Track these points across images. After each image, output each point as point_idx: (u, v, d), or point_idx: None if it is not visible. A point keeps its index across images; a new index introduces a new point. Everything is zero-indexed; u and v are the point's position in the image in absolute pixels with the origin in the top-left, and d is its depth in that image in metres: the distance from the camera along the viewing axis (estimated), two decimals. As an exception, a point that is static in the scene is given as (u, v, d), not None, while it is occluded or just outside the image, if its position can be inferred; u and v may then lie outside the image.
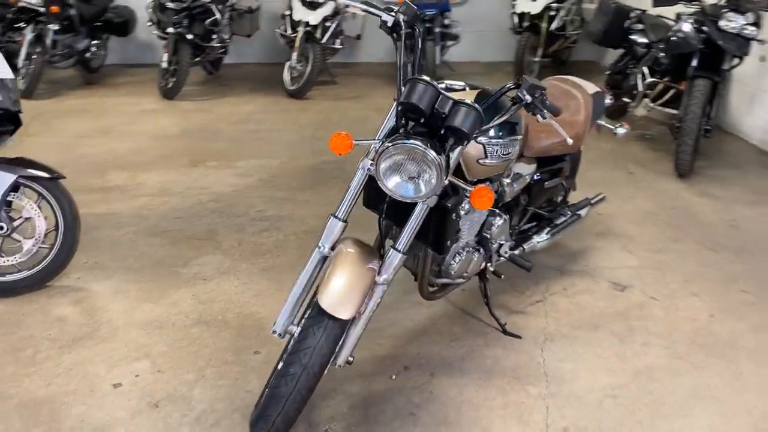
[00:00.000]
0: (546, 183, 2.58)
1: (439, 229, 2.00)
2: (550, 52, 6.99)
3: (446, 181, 1.81)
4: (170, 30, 6.33)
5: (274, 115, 5.86)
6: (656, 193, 4.01)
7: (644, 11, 5.06)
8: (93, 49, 7.24)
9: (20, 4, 6.36)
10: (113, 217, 3.60)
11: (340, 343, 1.87)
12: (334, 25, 6.59)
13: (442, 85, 1.96)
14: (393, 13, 1.95)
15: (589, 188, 3.87)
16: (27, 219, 2.80)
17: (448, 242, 2.06)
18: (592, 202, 2.99)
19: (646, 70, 4.69)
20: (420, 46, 1.94)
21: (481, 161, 1.98)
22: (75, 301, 2.75)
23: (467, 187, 1.84)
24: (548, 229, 2.77)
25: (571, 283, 2.91)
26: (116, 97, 6.53)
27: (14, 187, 2.75)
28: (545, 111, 1.87)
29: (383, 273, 1.87)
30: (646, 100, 4.67)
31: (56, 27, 6.45)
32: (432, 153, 1.71)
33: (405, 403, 2.15)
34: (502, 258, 2.55)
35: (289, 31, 6.68)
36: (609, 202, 3.77)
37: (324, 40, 6.51)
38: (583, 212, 2.92)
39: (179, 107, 6.15)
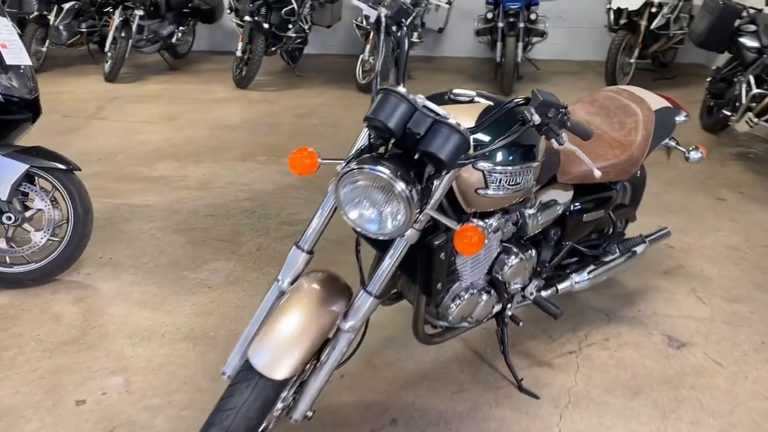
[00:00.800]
0: (586, 215, 2.15)
1: (426, 270, 1.66)
2: (649, 53, 6.30)
3: (424, 216, 1.48)
4: (247, 18, 6.27)
5: (340, 110, 5.65)
6: (748, 226, 3.39)
7: (759, 10, 4.36)
8: (179, 35, 7.37)
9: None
10: (147, 209, 3.51)
11: (302, 395, 1.60)
12: (410, 19, 6.25)
13: (430, 96, 1.61)
14: (376, 6, 1.62)
15: (662, 215, 3.36)
16: (39, 210, 2.73)
17: (438, 285, 1.71)
18: (649, 239, 2.51)
19: (752, 79, 4.03)
20: (406, 48, 1.62)
21: (480, 191, 1.62)
22: (76, 300, 2.65)
23: (452, 226, 1.49)
24: (591, 267, 2.33)
25: (617, 333, 2.45)
26: (193, 84, 6.58)
27: (30, 178, 2.70)
28: (561, 135, 1.49)
29: (350, 318, 1.57)
30: (750, 114, 4.01)
31: (141, 12, 6.56)
32: (400, 185, 1.38)
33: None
34: (527, 300, 2.17)
35: (365, 22, 6.44)
36: (687, 232, 3.25)
37: (399, 34, 6.19)
38: (639, 249, 2.44)
39: (248, 97, 6.09)
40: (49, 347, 2.35)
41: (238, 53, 6.34)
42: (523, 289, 2.13)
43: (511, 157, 1.63)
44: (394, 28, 1.64)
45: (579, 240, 2.27)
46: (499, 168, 1.60)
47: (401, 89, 1.45)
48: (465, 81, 6.66)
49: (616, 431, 1.97)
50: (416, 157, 1.42)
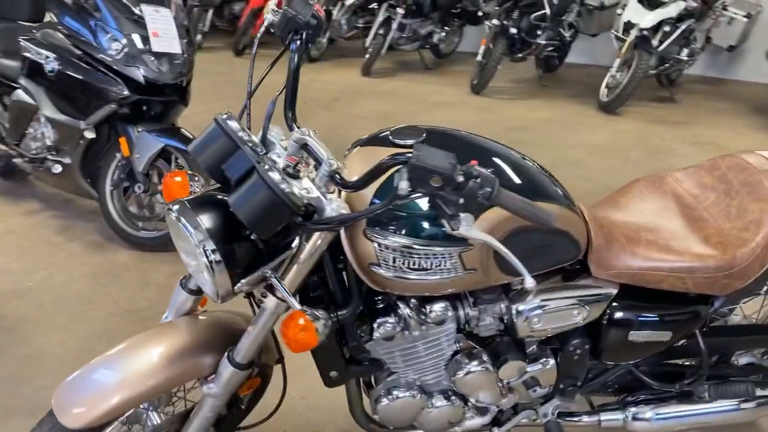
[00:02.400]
0: (633, 333, 1.45)
1: (314, 351, 1.30)
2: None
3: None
4: (494, 21, 6.01)
5: (559, 128, 5.06)
6: None
7: None
8: (441, 35, 7.46)
9: (375, -14, 6.90)
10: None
11: None
12: (678, 31, 5.25)
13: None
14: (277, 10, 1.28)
15: None
16: (168, 185, 3.00)
17: (332, 373, 1.33)
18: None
19: None
20: (295, 65, 1.26)
21: (374, 268, 1.19)
22: (171, 274, 2.84)
23: (291, 305, 1.13)
24: (667, 406, 1.61)
25: None
26: (431, 85, 6.60)
27: (165, 155, 2.96)
28: (458, 217, 1.00)
29: (212, 383, 1.32)
30: None
31: (402, 11, 6.79)
32: (208, 245, 1.09)
33: None
34: (539, 420, 1.60)
35: (622, 33, 5.62)
36: None
37: (661, 48, 5.27)
38: (748, 403, 1.59)
39: (474, 103, 5.86)
40: (117, 312, 2.56)
41: (479, 57, 6.14)
42: (543, 404, 1.58)
43: (414, 231, 1.17)
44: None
45: (644, 363, 1.57)
46: (390, 243, 1.15)
47: (225, 115, 1.14)
48: (746, 114, 5.38)
49: None
50: None
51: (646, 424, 1.60)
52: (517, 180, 1.29)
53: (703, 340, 1.54)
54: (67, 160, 2.93)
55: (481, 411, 1.53)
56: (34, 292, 2.65)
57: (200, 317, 1.42)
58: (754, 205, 1.45)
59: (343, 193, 1.20)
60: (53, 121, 2.90)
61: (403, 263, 1.17)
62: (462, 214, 1.01)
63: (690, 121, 5.24)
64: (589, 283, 1.43)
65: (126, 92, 2.71)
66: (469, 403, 1.48)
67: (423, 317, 1.32)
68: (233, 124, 1.15)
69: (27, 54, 2.81)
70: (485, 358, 1.41)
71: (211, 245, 1.11)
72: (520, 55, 6.30)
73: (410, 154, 1.00)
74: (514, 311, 1.38)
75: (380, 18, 6.89)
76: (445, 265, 1.18)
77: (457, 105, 5.78)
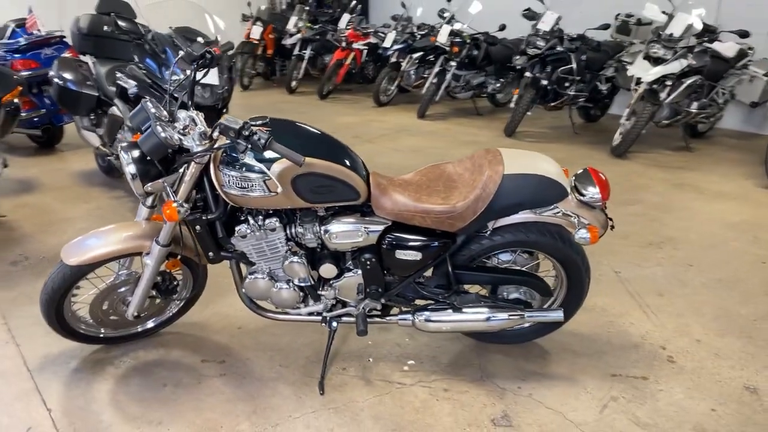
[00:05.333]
0: (398, 252, 2.31)
1: (196, 238, 2.32)
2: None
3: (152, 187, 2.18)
4: (527, 73, 6.84)
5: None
6: None
7: None
8: (497, 85, 8.36)
9: (436, 43, 7.97)
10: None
11: (134, 299, 2.48)
12: (683, 86, 5.79)
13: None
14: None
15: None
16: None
17: (210, 253, 2.33)
18: (510, 313, 2.37)
19: None
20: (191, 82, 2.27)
21: (224, 188, 2.17)
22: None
23: (169, 197, 2.14)
24: (441, 312, 2.42)
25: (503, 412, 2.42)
26: (473, 128, 7.47)
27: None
28: (246, 151, 1.97)
29: (148, 256, 2.37)
30: None
31: (455, 64, 7.80)
32: (130, 166, 2.13)
33: None
34: (341, 312, 2.49)
35: (634, 87, 6.24)
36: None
37: (668, 101, 5.84)
38: (486, 315, 2.37)
39: (499, 143, 6.65)
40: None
41: (511, 104, 6.98)
42: (362, 300, 2.46)
43: (236, 167, 2.13)
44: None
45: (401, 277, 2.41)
46: (228, 172, 2.14)
47: (149, 103, 2.17)
48: (754, 164, 5.78)
49: None
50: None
51: (426, 323, 2.42)
52: (320, 148, 2.21)
53: (451, 266, 2.37)
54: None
55: (316, 298, 2.44)
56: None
57: (151, 221, 2.47)
58: (477, 177, 2.28)
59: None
60: (132, 130, 4.19)
61: (236, 184, 2.15)
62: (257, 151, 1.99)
63: (687, 167, 5.70)
64: (371, 218, 2.31)
65: (176, 110, 3.92)
66: (305, 291, 2.40)
67: (261, 225, 2.28)
68: (150, 105, 2.20)
69: (119, 82, 4.13)
70: (301, 257, 2.33)
71: (131, 166, 2.15)
72: (552, 104, 7.05)
73: (221, 122, 2.00)
74: (321, 230, 2.31)
75: (435, 69, 7.94)
76: (258, 187, 2.14)
77: (483, 144, 6.62)
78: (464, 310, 2.42)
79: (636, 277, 3.44)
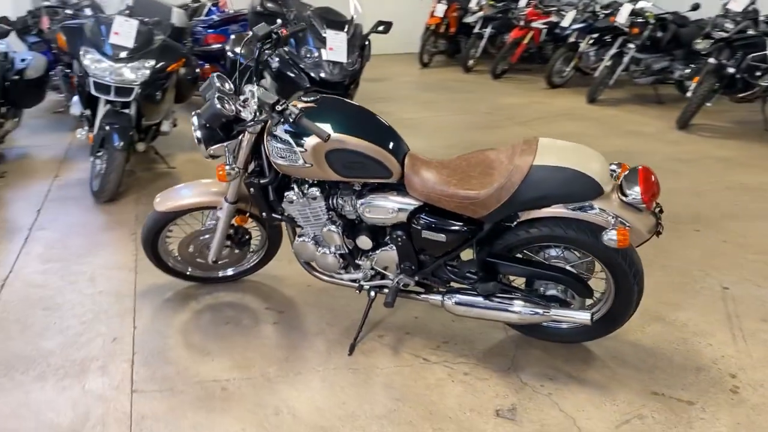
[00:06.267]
0: (425, 232, 2.35)
1: (255, 198, 2.61)
2: None
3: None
4: (711, 60, 6.14)
5: (724, 164, 5.13)
6: None
7: None
8: (685, 71, 7.58)
9: (614, 23, 7.45)
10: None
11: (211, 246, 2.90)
12: None
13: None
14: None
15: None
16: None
17: (263, 214, 2.62)
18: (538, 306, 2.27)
19: None
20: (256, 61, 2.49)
21: (271, 158, 2.42)
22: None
23: (227, 161, 2.46)
24: (467, 296, 2.45)
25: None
26: (644, 116, 6.94)
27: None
28: (278, 126, 2.20)
29: (220, 209, 2.74)
30: None
31: (634, 46, 7.24)
32: (196, 132, 2.45)
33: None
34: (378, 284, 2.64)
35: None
36: None
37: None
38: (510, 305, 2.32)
39: (668, 137, 6.07)
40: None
41: (688, 93, 6.31)
42: (398, 275, 2.58)
43: (279, 139, 2.35)
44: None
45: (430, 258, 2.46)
46: (273, 144, 2.38)
47: (219, 79, 2.46)
48: None
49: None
50: None
51: (454, 306, 2.47)
52: (357, 127, 2.36)
53: (482, 253, 2.37)
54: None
55: (355, 267, 2.63)
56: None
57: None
58: (494, 171, 2.25)
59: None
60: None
61: (279, 155, 2.39)
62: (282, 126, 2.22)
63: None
64: (403, 197, 2.41)
65: (307, 84, 4.31)
66: (346, 259, 2.59)
67: (305, 193, 2.51)
68: (216, 79, 2.50)
69: (267, 59, 4.64)
70: (338, 226, 2.51)
71: (197, 132, 2.49)
72: (741, 95, 6.23)
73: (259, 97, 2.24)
74: (357, 203, 2.47)
75: (612, 51, 7.43)
76: (295, 158, 2.36)
77: (648, 136, 6.09)
78: (492, 298, 2.41)
79: (746, 297, 3.04)
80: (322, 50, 4.31)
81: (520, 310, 2.38)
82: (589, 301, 2.55)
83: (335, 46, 4.35)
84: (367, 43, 4.65)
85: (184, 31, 5.83)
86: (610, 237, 2.11)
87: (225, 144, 2.50)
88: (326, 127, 2.26)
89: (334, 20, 4.43)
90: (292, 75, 4.36)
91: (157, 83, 4.25)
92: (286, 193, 2.56)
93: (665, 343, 2.68)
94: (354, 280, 2.68)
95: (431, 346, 2.66)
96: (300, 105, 2.32)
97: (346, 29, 4.42)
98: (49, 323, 2.79)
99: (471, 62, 9.77)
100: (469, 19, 9.79)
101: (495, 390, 2.39)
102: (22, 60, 4.96)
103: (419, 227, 2.41)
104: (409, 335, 2.73)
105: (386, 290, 2.62)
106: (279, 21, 2.73)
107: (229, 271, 3.11)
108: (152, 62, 4.16)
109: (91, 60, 4.06)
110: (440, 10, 10.01)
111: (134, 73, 4.10)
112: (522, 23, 8.95)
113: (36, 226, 3.82)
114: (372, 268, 2.61)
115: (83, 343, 2.66)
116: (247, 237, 2.95)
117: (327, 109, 2.39)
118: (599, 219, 2.19)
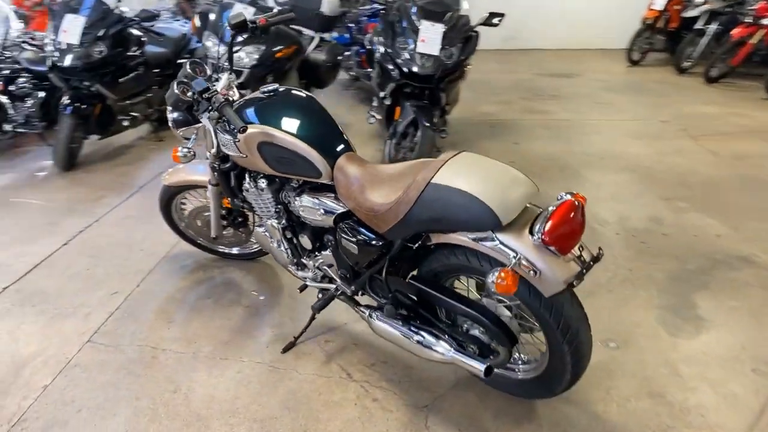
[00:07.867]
0: (344, 238, 2.14)
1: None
2: None
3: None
4: None
5: None
6: None
7: None
8: None
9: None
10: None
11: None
12: None
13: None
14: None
15: None
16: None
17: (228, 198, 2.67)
18: None
19: None
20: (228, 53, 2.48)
21: (222, 148, 2.44)
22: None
23: (181, 140, 2.54)
24: (392, 317, 2.20)
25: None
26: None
27: (414, 123, 4.33)
28: (203, 115, 2.23)
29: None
30: None
31: None
32: (170, 114, 2.58)
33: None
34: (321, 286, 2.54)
35: None
36: None
37: None
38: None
39: None
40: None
41: None
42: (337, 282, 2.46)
43: (223, 127, 2.37)
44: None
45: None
46: (219, 131, 2.40)
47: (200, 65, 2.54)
48: None
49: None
50: None
51: (374, 323, 2.25)
52: (293, 123, 2.26)
53: (387, 274, 2.12)
54: (378, 117, 4.67)
55: (302, 267, 2.55)
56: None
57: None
58: (402, 184, 1.96)
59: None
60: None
61: (223, 143, 2.41)
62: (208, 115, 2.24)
63: None
64: (332, 200, 2.25)
65: (398, 77, 4.21)
66: (304, 260, 2.54)
67: (255, 183, 2.50)
68: (188, 66, 2.57)
69: (370, 46, 4.63)
70: (280, 221, 2.46)
71: (170, 115, 2.62)
72: None
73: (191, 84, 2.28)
74: (294, 201, 2.39)
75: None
76: (233, 148, 2.36)
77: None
78: (410, 325, 2.16)
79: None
80: (418, 42, 4.14)
81: (425, 342, 2.09)
82: (534, 356, 2.13)
83: (428, 38, 4.15)
84: (473, 35, 4.34)
85: (335, 19, 6.11)
86: (491, 279, 1.73)
87: (194, 127, 2.60)
88: (256, 119, 2.22)
89: (434, 11, 4.22)
90: (390, 67, 4.28)
91: (266, 65, 4.55)
92: (243, 182, 2.58)
93: (639, 424, 2.11)
94: (305, 278, 2.61)
95: (366, 362, 2.48)
96: (232, 93, 2.31)
97: (444, 20, 4.18)
98: (84, 268, 3.23)
99: (686, 63, 8.50)
100: (690, 13, 8.52)
101: (389, 425, 2.14)
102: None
103: (341, 234, 2.24)
104: (354, 346, 2.58)
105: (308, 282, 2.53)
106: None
107: (234, 250, 3.24)
108: (263, 47, 4.45)
109: (212, 44, 4.50)
110: (660, 2, 8.87)
111: (247, 57, 4.44)
112: (749, 20, 7.49)
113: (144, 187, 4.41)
114: (318, 269, 2.51)
115: (91, 290, 3.03)
116: (240, 219, 3.04)
117: (273, 102, 2.34)
118: (498, 254, 1.81)
